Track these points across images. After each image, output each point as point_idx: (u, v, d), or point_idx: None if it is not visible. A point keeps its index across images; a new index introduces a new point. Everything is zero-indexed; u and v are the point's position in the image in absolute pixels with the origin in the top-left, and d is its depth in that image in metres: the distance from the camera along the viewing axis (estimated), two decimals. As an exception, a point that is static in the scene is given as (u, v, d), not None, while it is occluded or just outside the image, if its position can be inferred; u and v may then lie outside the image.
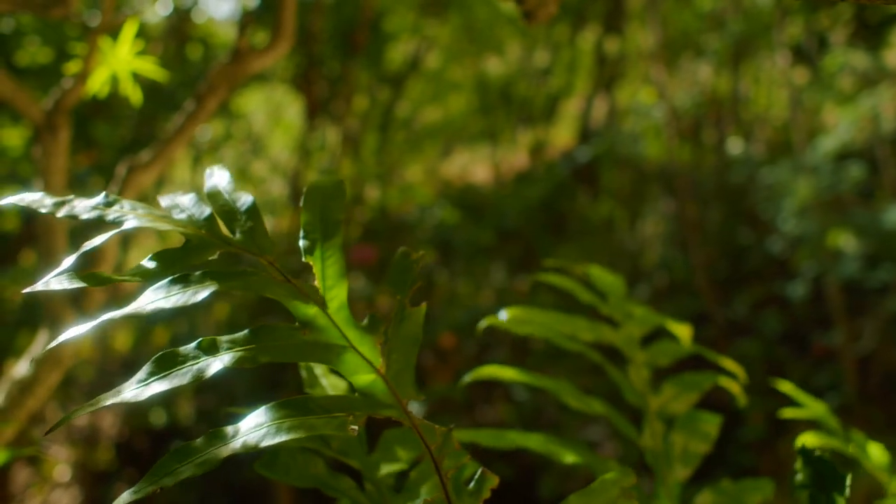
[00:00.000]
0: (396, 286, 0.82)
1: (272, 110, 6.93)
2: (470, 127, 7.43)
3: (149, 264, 0.77)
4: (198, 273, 0.75)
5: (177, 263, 0.77)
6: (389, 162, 6.65)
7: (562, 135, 7.89)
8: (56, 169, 1.54)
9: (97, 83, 1.68)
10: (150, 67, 1.72)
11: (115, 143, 4.41)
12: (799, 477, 0.83)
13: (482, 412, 4.69)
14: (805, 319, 4.88)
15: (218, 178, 0.88)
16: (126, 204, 0.81)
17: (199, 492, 4.41)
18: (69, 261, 0.75)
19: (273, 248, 0.80)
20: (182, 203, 0.84)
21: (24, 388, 1.38)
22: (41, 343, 1.48)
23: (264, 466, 0.86)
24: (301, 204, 0.85)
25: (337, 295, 0.79)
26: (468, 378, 1.15)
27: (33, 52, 4.25)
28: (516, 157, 7.39)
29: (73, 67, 1.65)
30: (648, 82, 6.63)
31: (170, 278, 0.74)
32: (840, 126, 4.60)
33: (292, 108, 6.89)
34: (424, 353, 4.83)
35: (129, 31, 1.65)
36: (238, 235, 0.81)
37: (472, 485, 0.75)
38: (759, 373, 4.35)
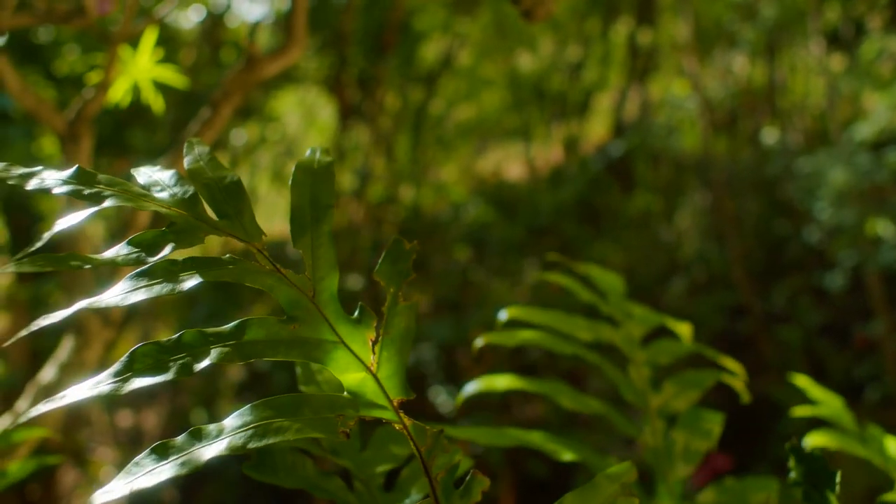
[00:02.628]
0: (388, 278, 0.75)
1: (306, 112, 6.99)
2: (503, 123, 7.42)
3: (127, 249, 0.71)
4: (181, 260, 0.70)
5: (158, 248, 0.71)
6: (423, 161, 6.66)
7: (596, 129, 7.84)
8: (79, 177, 1.56)
9: (119, 92, 1.71)
10: (171, 75, 1.75)
11: (151, 148, 4.48)
12: (792, 475, 0.83)
13: (521, 411, 4.67)
14: (845, 310, 4.80)
15: (199, 151, 0.81)
16: (103, 178, 0.75)
17: (240, 490, 4.46)
18: (40, 242, 0.70)
19: (261, 235, 0.74)
20: (162, 180, 0.78)
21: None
22: (66, 349, 1.51)
23: (252, 468, 0.82)
24: (290, 185, 0.78)
25: (327, 286, 0.73)
26: (462, 396, 1.17)
27: (72, 62, 4.33)
28: (550, 152, 7.37)
29: (94, 77, 1.69)
30: (682, 74, 6.57)
31: (150, 265, 0.69)
32: (877, 112, 4.51)
33: (325, 110, 6.93)
34: (459, 351, 4.83)
35: (149, 39, 1.68)
36: (224, 218, 0.75)
37: (462, 487, 0.70)
38: (800, 364, 4.29)
